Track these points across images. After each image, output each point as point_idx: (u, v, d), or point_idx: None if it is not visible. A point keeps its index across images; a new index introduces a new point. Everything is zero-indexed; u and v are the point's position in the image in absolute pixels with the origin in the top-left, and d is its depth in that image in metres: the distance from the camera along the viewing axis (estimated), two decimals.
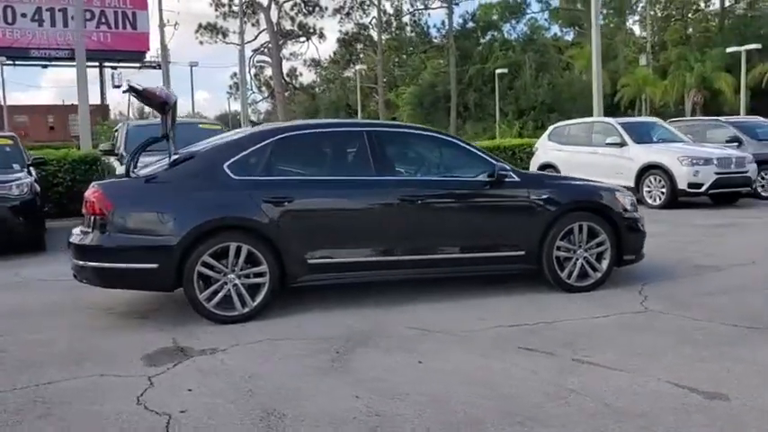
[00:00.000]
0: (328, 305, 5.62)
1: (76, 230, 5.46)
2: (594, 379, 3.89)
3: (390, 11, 49.35)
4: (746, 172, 12.40)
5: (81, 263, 5.20)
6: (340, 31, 52.16)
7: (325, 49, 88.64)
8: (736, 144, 13.79)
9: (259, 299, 5.26)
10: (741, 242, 8.55)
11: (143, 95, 5.33)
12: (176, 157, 5.41)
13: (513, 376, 3.98)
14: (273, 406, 3.62)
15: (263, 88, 53.76)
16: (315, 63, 54.07)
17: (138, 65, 41.91)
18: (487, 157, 5.94)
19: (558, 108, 41.10)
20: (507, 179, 5.79)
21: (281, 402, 3.67)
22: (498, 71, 41.51)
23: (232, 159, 5.35)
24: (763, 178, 13.35)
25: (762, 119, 15.62)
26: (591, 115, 20.49)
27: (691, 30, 65.04)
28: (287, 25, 48.36)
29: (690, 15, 67.01)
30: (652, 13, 61.43)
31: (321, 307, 5.58)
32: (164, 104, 5.36)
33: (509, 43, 47.16)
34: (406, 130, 6.33)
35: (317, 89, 60.39)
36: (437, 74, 47.63)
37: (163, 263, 5.09)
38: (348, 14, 48.83)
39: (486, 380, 3.93)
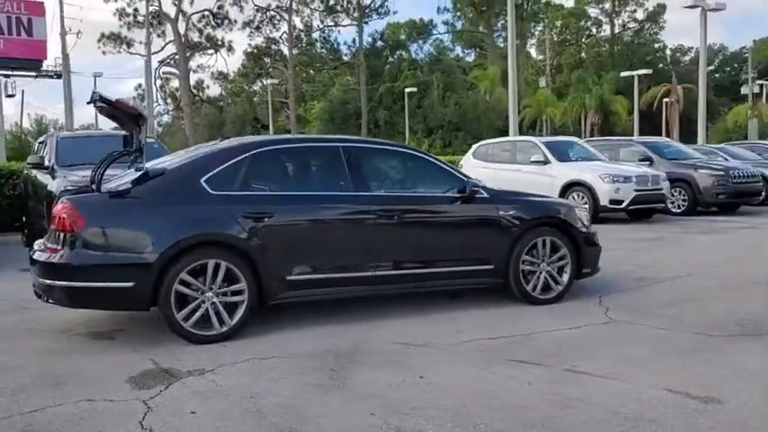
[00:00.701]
0: (301, 322, 5.55)
1: (39, 247, 5.16)
2: (593, 388, 4.04)
3: (301, 26, 49.37)
4: (661, 189, 13.22)
5: (49, 282, 4.92)
6: (249, 44, 51.71)
7: (234, 62, 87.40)
8: (647, 162, 14.66)
9: (237, 317, 5.14)
10: (670, 255, 9.09)
11: (114, 107, 5.12)
12: (144, 171, 5.21)
13: (515, 388, 4.08)
14: (289, 425, 3.55)
15: (169, 100, 52.33)
16: (222, 76, 53.21)
17: (34, 73, 39.80)
18: (457, 173, 6.08)
19: (465, 127, 42.34)
20: (478, 195, 5.95)
21: (294, 421, 3.60)
22: (408, 90, 42.35)
23: (209, 174, 5.22)
24: (673, 195, 14.25)
25: (668, 139, 16.72)
26: (496, 134, 21.25)
27: (584, 54, 68.87)
28: (195, 37, 47.44)
29: (584, 41, 71.02)
30: (549, 37, 64.47)
31: (295, 324, 5.50)
32: (138, 117, 5.17)
33: (417, 63, 48.26)
34: (380, 146, 6.38)
35: (223, 102, 59.39)
36: (347, 90, 48.01)
37: (139, 281, 4.88)
38: (258, 28, 48.44)
39: (490, 392, 4.00)
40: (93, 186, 5.56)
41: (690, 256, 8.93)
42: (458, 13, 53.95)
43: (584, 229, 6.39)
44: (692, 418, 3.57)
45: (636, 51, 72.34)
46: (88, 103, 5.27)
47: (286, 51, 48.71)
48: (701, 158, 15.70)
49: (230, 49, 48.99)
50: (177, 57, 44.82)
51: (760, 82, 60.04)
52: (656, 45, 76.36)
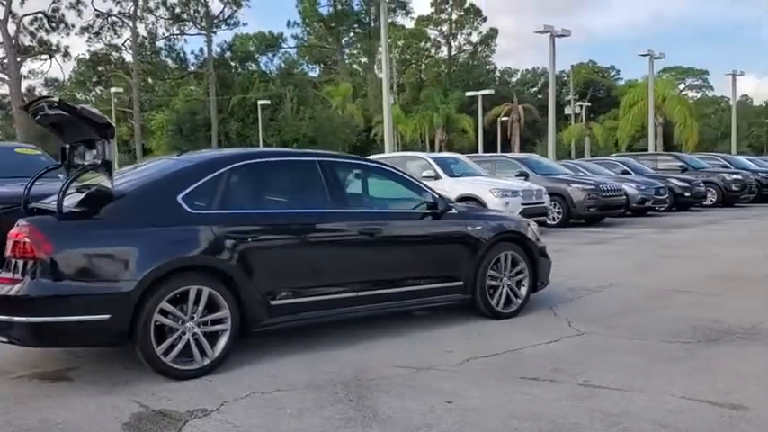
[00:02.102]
0: (281, 348, 5.18)
1: None
2: (621, 401, 4.09)
3: (144, 34, 46.90)
4: (544, 203, 13.94)
5: (5, 318, 4.18)
6: (89, 50, 48.25)
7: (71, 68, 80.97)
8: (523, 177, 15.41)
9: (220, 348, 4.69)
10: (581, 266, 9.55)
11: (78, 115, 4.49)
12: (96, 190, 4.60)
13: (549, 405, 4.03)
14: None
15: None
16: (57, 83, 49.23)
17: None
18: (426, 189, 5.99)
19: (321, 141, 42.36)
20: (450, 211, 5.89)
21: None
22: (261, 102, 41.59)
23: (186, 191, 4.73)
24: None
25: (538, 156, 17.70)
26: (351, 150, 21.45)
27: (423, 75, 71.64)
28: (26, 41, 43.49)
29: (424, 61, 73.88)
30: (392, 56, 66.26)
31: (276, 351, 5.12)
32: (107, 128, 4.57)
33: (268, 76, 47.61)
34: (355, 161, 6.11)
35: None
36: (193, 101, 46.27)
37: (116, 312, 4.30)
38: (97, 34, 45.36)
39: (529, 412, 3.92)
40: (38, 205, 4.90)
41: (600, 267, 9.44)
42: (307, 28, 54.02)
43: (538, 243, 6.53)
44: (736, 426, 3.71)
45: (472, 72, 76.54)
46: (50, 107, 4.58)
47: (128, 59, 45.98)
48: (568, 173, 16.77)
49: (66, 54, 45.42)
50: (6, 61, 40.81)
51: (580, 103, 65.65)
52: (488, 67, 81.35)
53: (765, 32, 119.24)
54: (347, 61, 62.91)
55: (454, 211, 5.98)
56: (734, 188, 21.62)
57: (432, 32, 72.38)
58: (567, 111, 67.06)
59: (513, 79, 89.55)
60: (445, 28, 73.05)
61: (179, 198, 4.68)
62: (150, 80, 50.88)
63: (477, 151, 39.00)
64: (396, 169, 6.04)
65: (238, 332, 4.79)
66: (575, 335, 5.68)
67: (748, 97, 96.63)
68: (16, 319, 4.16)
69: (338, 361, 4.98)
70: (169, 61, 48.89)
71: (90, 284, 4.28)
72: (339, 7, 51.76)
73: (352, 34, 59.83)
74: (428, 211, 5.84)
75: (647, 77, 40.16)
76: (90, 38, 45.82)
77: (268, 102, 41.73)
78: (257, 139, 41.85)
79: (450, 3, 71.68)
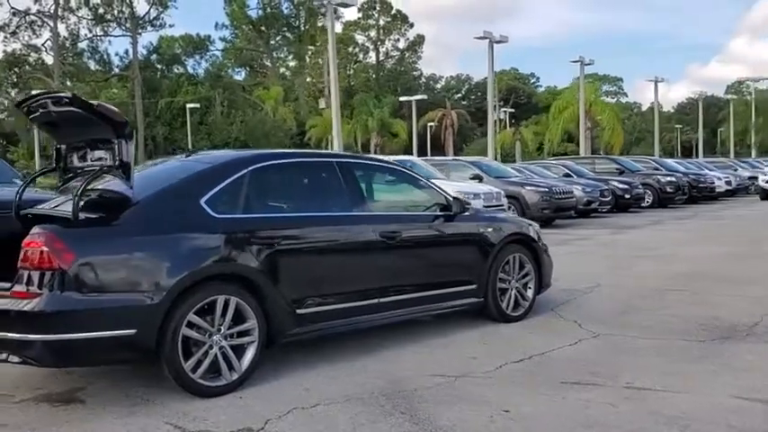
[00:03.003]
0: (302, 361, 4.91)
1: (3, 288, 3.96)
2: (675, 403, 4.04)
3: (66, 34, 44.84)
4: (503, 205, 14.04)
5: (21, 337, 3.76)
6: (5, 51, 45.71)
7: None
8: (478, 180, 15.51)
9: (247, 362, 4.39)
10: (557, 267, 9.49)
11: (94, 113, 4.10)
12: (119, 195, 4.25)
13: (609, 411, 3.93)
14: None
15: None
16: None
17: None
18: (439, 190, 5.84)
19: (253, 145, 41.56)
20: (464, 213, 5.76)
21: None
22: (189, 106, 40.51)
23: (209, 194, 4.41)
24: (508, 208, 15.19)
25: (488, 159, 17.86)
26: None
27: (353, 80, 71.65)
28: None
29: (353, 65, 73.86)
30: (321, 60, 65.92)
31: (298, 364, 4.85)
32: (125, 126, 4.20)
33: (196, 78, 46.42)
34: (371, 162, 5.89)
35: None
36: (117, 104, 44.59)
37: (143, 327, 3.95)
38: (14, 33, 43.05)
39: (590, 419, 3.82)
40: (34, 211, 4.48)
41: (577, 268, 9.49)
42: (236, 31, 52.97)
43: (543, 245, 6.48)
44: None
45: (399, 78, 77.09)
46: (63, 104, 4.16)
47: (49, 60, 43.86)
48: (519, 176, 16.99)
49: None
50: None
51: (504, 109, 67.13)
52: (415, 73, 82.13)
53: (670, 42, 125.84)
54: (276, 65, 62.18)
55: (467, 212, 5.85)
56: (668, 190, 22.43)
57: (360, 38, 72.54)
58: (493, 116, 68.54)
59: (438, 85, 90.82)
60: (373, 33, 73.32)
61: (202, 202, 4.36)
62: (70, 82, 48.73)
63: (412, 155, 39.19)
64: (409, 170, 5.86)
65: (265, 344, 4.50)
66: (591, 337, 5.63)
67: (658, 103, 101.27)
68: (34, 337, 3.75)
69: (366, 371, 4.76)
70: (92, 63, 46.94)
71: (114, 297, 3.92)
72: (269, 10, 51.04)
73: (279, 37, 59.19)
74: (443, 213, 5.69)
75: (571, 84, 41.54)
76: (6, 37, 43.48)
77: (197, 105, 40.69)
78: (186, 143, 40.73)
79: (378, 9, 72.04)
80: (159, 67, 46.99)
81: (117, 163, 4.20)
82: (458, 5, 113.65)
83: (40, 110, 4.43)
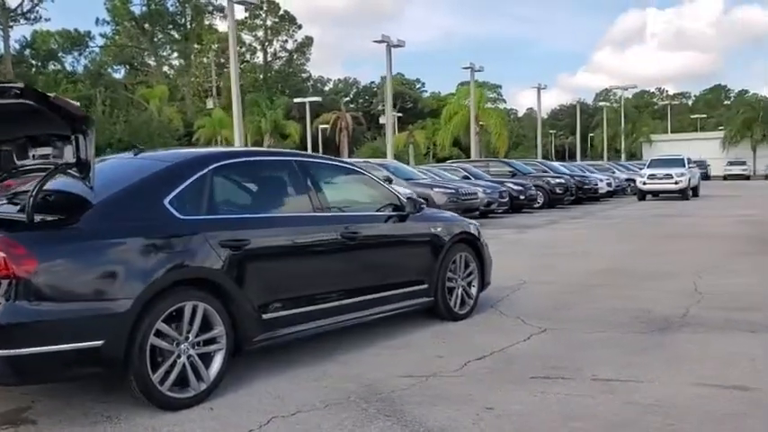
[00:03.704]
0: (262, 368, 4.71)
1: None
2: (645, 393, 4.17)
3: None
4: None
5: None
6: None
7: None
8: (388, 182, 15.56)
9: (215, 371, 4.16)
10: None
11: (49, 106, 3.74)
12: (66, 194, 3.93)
13: (589, 404, 4.01)
14: None
15: None
16: None
17: None
18: (390, 190, 5.80)
19: (138, 146, 39.72)
20: (417, 213, 5.75)
21: None
22: None
23: (172, 194, 4.14)
24: None
25: (396, 162, 17.96)
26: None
27: (240, 80, 70.20)
28: None
29: (240, 66, 72.36)
30: (206, 59, 64.20)
31: (258, 370, 4.65)
32: (85, 120, 3.85)
33: (75, 76, 43.88)
34: (327, 161, 5.71)
35: None
36: None
37: (110, 337, 3.65)
38: None
39: (574, 412, 3.89)
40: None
41: (498, 266, 9.69)
42: (117, 27, 50.52)
43: (485, 244, 6.58)
44: (764, 406, 3.96)
45: (287, 79, 76.39)
46: (15, 94, 3.75)
47: None
48: (426, 178, 17.24)
49: None
50: None
51: (393, 113, 68.05)
52: (304, 75, 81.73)
53: (541, 52, 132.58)
54: (160, 63, 59.88)
55: (420, 212, 5.84)
56: (558, 191, 23.53)
57: (247, 38, 71.17)
58: (382, 120, 69.39)
59: (327, 88, 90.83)
60: (260, 34, 72.20)
61: (166, 202, 4.09)
62: None
63: None
64: (364, 170, 5.77)
65: (232, 352, 4.29)
66: (539, 332, 5.76)
67: (533, 110, 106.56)
68: None
69: (332, 375, 4.63)
70: None
71: (80, 306, 3.59)
72: (153, 6, 49.08)
73: (162, 35, 57.06)
74: (397, 213, 5.65)
75: (457, 89, 42.63)
76: None
77: (77, 104, 38.40)
78: None
79: (265, 9, 71.03)
80: (34, 62, 44.01)
81: (74, 161, 3.86)
82: (340, 10, 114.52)
83: (24, 100, 3.99)
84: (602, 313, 6.43)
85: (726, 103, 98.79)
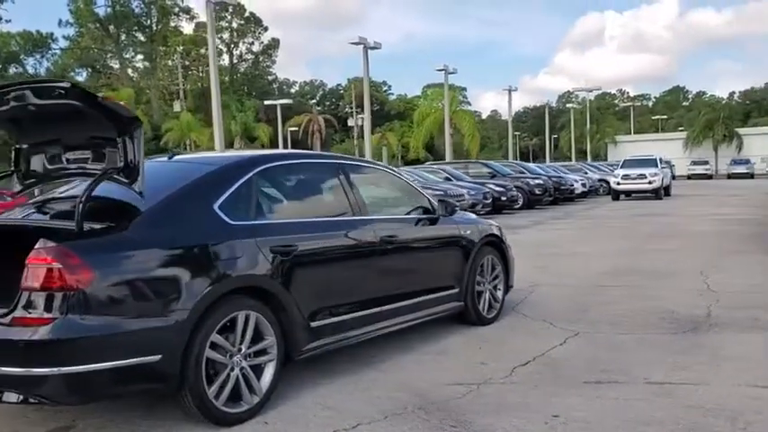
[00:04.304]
0: (305, 377, 4.55)
1: None
2: (702, 396, 4.13)
3: None
4: None
5: (30, 372, 3.14)
6: None
7: None
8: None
9: (267, 383, 3.99)
10: None
11: (97, 106, 3.53)
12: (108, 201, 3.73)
13: (648, 408, 3.95)
14: None
15: None
16: None
17: None
18: (424, 193, 5.67)
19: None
20: (450, 215, 5.63)
21: None
22: None
23: (221, 199, 3.96)
24: None
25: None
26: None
27: (206, 82, 69.33)
28: None
29: (204, 68, 71.44)
30: (171, 62, 63.25)
31: (302, 380, 4.49)
32: (132, 122, 3.65)
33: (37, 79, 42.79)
34: (367, 164, 5.54)
35: None
36: None
37: (167, 351, 3.46)
38: None
39: (640, 417, 3.82)
40: (35, 220, 3.89)
41: None
42: (81, 29, 49.37)
43: (509, 246, 6.49)
44: None
45: (254, 82, 75.77)
46: (59, 93, 3.53)
47: None
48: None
49: None
50: None
51: (361, 116, 68.02)
52: (270, 77, 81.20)
53: (504, 55, 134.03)
54: (135, 65, 58.82)
55: (452, 215, 5.74)
56: (537, 192, 23.65)
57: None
58: (350, 122, 69.27)
59: (293, 90, 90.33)
60: (226, 36, 71.44)
61: (216, 207, 3.90)
62: None
63: None
64: (397, 172, 5.64)
65: (282, 362, 4.12)
66: (572, 335, 5.68)
67: (497, 112, 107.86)
68: (47, 371, 3.14)
69: (380, 385, 4.49)
70: None
71: (137, 318, 3.39)
72: (117, 8, 48.11)
73: (125, 37, 55.98)
74: (429, 216, 5.54)
75: (423, 92, 42.50)
76: None
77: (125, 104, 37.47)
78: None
79: (231, 11, 70.28)
80: None
81: (121, 165, 3.65)
82: (303, 12, 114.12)
83: (12, 103, 3.76)
84: (626, 315, 6.39)
85: (684, 104, 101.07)
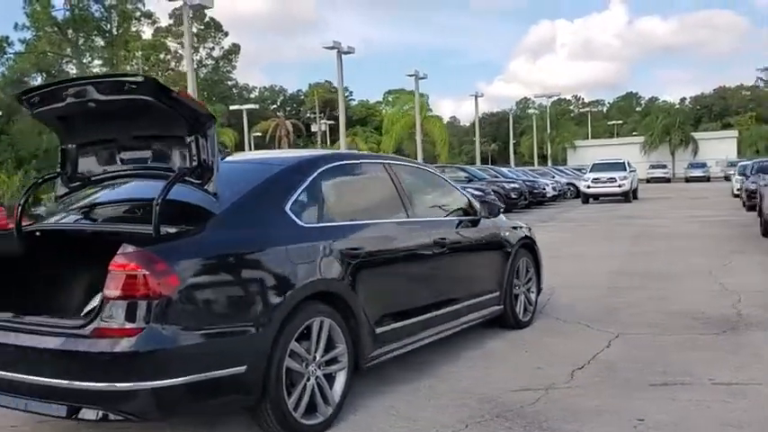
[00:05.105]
0: (363, 384, 4.36)
1: (67, 324, 3.07)
2: None
3: None
4: None
5: (114, 387, 2.89)
6: None
7: None
8: None
9: (339, 392, 3.81)
10: None
11: (173, 102, 3.30)
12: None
13: (729, 410, 3.88)
14: None
15: None
16: None
17: None
18: (465, 194, 5.54)
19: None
20: (492, 217, 5.52)
21: None
22: None
23: (291, 200, 3.76)
24: None
25: None
26: None
27: None
28: None
29: (164, 73, 70.21)
30: (129, 68, 61.92)
31: (362, 387, 4.30)
32: (208, 120, 3.43)
33: None
34: (416, 165, 5.37)
35: None
36: None
37: (252, 362, 3.25)
38: None
39: (723, 419, 3.74)
40: (41, 227, 3.68)
41: None
42: (38, 33, 47.93)
43: (539, 248, 6.40)
44: None
45: (214, 87, 74.77)
46: (130, 87, 3.29)
47: None
48: None
49: None
50: None
51: (324, 121, 67.68)
52: (230, 82, 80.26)
53: (460, 61, 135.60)
54: (84, 70, 57.19)
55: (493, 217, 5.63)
56: (513, 195, 23.75)
57: (172, 45, 69.29)
58: (314, 128, 68.90)
59: (252, 95, 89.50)
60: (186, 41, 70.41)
61: (287, 208, 3.70)
62: None
63: None
64: (439, 173, 5.49)
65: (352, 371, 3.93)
66: (614, 337, 5.60)
67: (456, 118, 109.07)
68: (136, 386, 2.91)
69: (442, 391, 4.34)
70: None
71: (221, 327, 3.17)
72: (76, 12, 46.82)
73: (83, 41, 54.56)
74: (473, 218, 5.41)
75: (385, 96, 42.21)
76: None
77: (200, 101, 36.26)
78: None
79: (191, 15, 69.27)
80: None
81: (194, 165, 3.43)
82: (258, 17, 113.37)
83: (68, 99, 3.50)
84: (658, 316, 6.34)
85: (638, 109, 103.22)
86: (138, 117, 3.48)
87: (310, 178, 3.94)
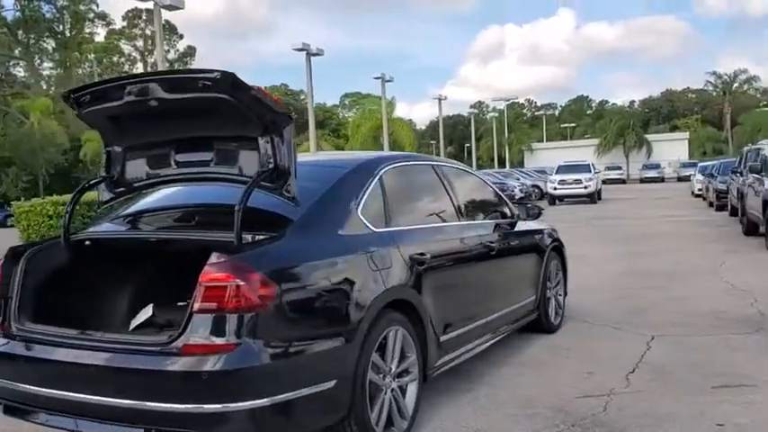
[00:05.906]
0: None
1: (147, 341, 2.82)
2: None
3: None
4: None
5: (204, 408, 2.65)
6: None
7: None
8: None
9: (412, 404, 3.63)
10: None
11: (250, 99, 3.06)
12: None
13: None
14: None
15: None
16: None
17: None
18: (503, 196, 5.41)
19: (19, 162, 37.08)
20: (530, 219, 5.40)
21: None
22: None
23: (361, 203, 3.56)
24: None
25: None
26: (57, 169, 18.83)
27: None
28: None
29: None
30: (81, 71, 60.31)
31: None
32: (285, 119, 3.19)
33: None
34: (460, 167, 5.15)
35: None
36: None
37: (341, 376, 3.04)
38: None
39: None
40: (87, 235, 3.43)
41: None
42: None
43: (565, 251, 6.31)
44: None
45: None
46: (211, 82, 3.04)
47: None
48: None
49: None
50: None
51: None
52: None
53: (412, 65, 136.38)
54: (46, 73, 55.47)
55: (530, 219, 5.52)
56: None
57: (126, 47, 67.85)
58: None
59: None
60: (140, 43, 69.06)
61: (359, 212, 3.50)
62: None
63: None
64: (479, 175, 5.34)
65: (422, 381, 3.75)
66: (650, 339, 5.53)
67: (412, 121, 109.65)
68: (235, 406, 2.66)
69: (507, 401, 4.19)
70: None
71: (311, 341, 2.96)
72: (27, 12, 45.35)
73: (33, 43, 52.86)
74: (511, 220, 5.29)
75: (342, 99, 41.74)
76: None
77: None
78: None
79: (144, 18, 67.91)
80: None
81: (270, 168, 3.19)
82: (210, 21, 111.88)
83: (127, 98, 3.23)
84: (681, 316, 6.31)
85: (589, 112, 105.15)
86: (203, 116, 3.23)
87: (373, 182, 3.73)
